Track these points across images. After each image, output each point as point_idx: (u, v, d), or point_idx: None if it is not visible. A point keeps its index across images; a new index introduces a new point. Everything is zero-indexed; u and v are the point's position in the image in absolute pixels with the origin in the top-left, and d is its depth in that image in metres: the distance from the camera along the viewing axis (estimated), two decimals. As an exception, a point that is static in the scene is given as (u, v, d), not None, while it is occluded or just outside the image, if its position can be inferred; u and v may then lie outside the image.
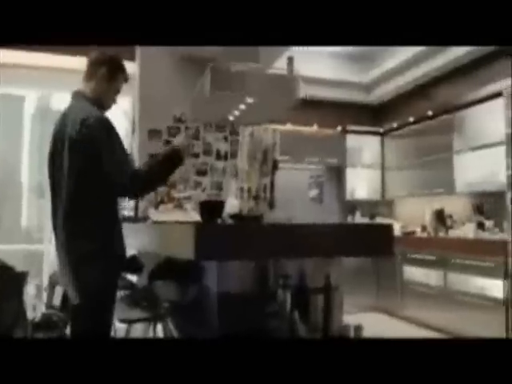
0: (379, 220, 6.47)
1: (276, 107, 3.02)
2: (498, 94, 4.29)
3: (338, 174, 6.60)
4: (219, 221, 1.90)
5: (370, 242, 1.83)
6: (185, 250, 1.63)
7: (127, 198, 2.44)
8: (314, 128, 6.36)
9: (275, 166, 2.27)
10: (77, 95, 2.07)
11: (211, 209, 1.88)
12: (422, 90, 5.55)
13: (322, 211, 6.45)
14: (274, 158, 2.27)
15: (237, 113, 3.19)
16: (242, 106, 3.05)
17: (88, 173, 1.89)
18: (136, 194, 2.21)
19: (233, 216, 1.90)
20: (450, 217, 5.38)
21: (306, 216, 6.08)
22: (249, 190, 2.21)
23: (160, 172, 2.01)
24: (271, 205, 2.22)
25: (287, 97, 2.86)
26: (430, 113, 5.47)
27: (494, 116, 4.35)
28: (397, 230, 6.09)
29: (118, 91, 2.15)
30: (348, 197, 6.49)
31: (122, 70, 2.14)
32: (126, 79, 2.17)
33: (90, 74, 2.07)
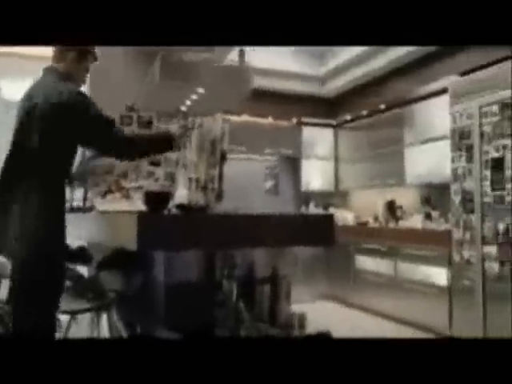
0: (333, 211, 6.61)
1: (228, 98, 3.02)
2: (443, 91, 4.45)
3: (293, 166, 6.67)
4: (165, 211, 1.89)
5: (312, 231, 1.88)
6: (127, 239, 1.62)
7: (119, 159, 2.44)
8: (270, 120, 6.40)
9: (224, 157, 2.28)
10: (48, 70, 2.10)
11: (156, 199, 1.87)
12: (374, 84, 5.68)
13: (277, 202, 6.52)
14: (223, 149, 2.28)
15: (189, 103, 3.17)
16: (194, 97, 3.03)
17: (57, 145, 1.94)
18: (125, 155, 2.21)
19: (178, 206, 1.90)
20: (401, 208, 5.57)
21: (262, 207, 6.15)
22: (197, 181, 2.21)
23: (149, 145, 2.21)
24: (219, 196, 2.23)
25: (239, 88, 2.87)
26: (382, 106, 5.61)
27: (440, 111, 4.51)
28: (350, 221, 6.26)
29: (87, 70, 2.22)
30: (303, 188, 6.59)
31: (90, 49, 2.19)
32: (95, 58, 2.23)
33: (59, 55, 2.10)
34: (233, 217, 1.96)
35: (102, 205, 2.32)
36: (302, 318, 1.93)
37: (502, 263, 3.68)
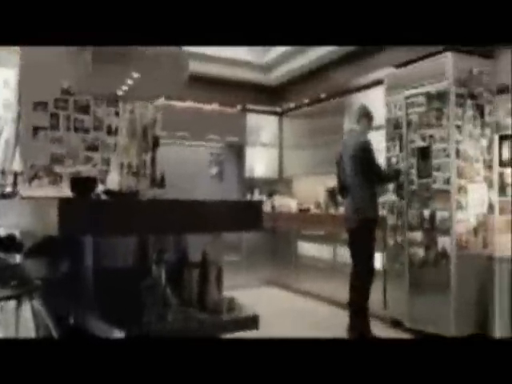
0: (278, 198, 6.72)
1: (164, 84, 2.99)
2: (380, 82, 4.60)
3: (238, 153, 6.72)
4: (93, 197, 1.88)
5: (241, 217, 1.92)
6: (50, 226, 1.60)
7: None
8: (215, 106, 6.38)
9: (156, 143, 2.27)
10: None
11: (82, 185, 1.85)
12: (316, 73, 5.77)
13: (222, 189, 6.55)
14: (155, 135, 2.27)
15: (125, 88, 3.11)
16: (129, 81, 2.98)
17: None
18: None
19: (106, 192, 1.89)
20: (341, 195, 5.73)
21: (206, 193, 6.17)
22: (129, 166, 2.19)
23: None
24: (153, 181, 2.22)
25: (174, 73, 2.85)
26: (323, 95, 5.72)
27: (378, 101, 4.66)
28: (293, 208, 6.38)
29: None
30: (248, 175, 6.64)
31: None
32: None
33: None
34: (161, 202, 1.96)
35: (26, 191, 2.26)
36: (231, 303, 1.97)
37: (426, 248, 3.88)
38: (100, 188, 2.06)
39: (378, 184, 4.13)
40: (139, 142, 2.16)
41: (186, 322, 1.83)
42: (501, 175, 4.06)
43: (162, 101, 5.92)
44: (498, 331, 3.71)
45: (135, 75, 2.84)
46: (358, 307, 4.04)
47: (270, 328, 4.32)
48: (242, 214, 1.91)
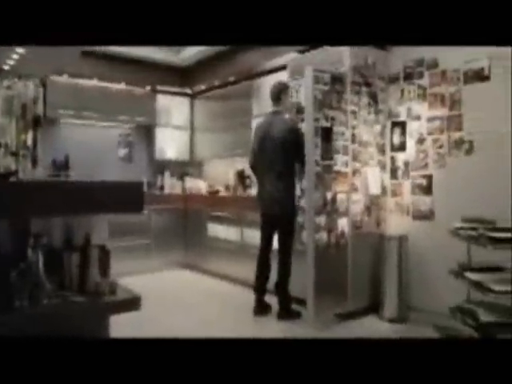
0: (189, 180, 6.69)
1: (52, 60, 2.84)
2: (284, 67, 4.70)
3: (147, 134, 6.58)
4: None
5: (121, 199, 1.90)
6: None
7: None
8: (123, 86, 6.18)
9: (37, 122, 2.16)
10: None
11: None
12: (225, 56, 5.77)
13: (131, 170, 6.40)
14: (36, 114, 2.16)
15: (11, 62, 2.92)
16: (15, 56, 2.80)
17: None
18: None
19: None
20: (249, 177, 5.82)
21: (115, 175, 5.99)
22: (6, 146, 2.08)
23: None
24: (34, 162, 2.12)
25: (63, 49, 2.72)
26: (232, 78, 5.74)
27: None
28: (203, 190, 6.39)
29: None
30: (158, 156, 6.54)
31: None
32: None
33: None
34: (40, 183, 1.89)
35: None
36: (112, 285, 1.96)
37: (329, 231, 4.05)
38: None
39: (301, 165, 4.10)
40: (17, 122, 2.04)
41: (63, 305, 1.79)
42: (392, 159, 4.34)
43: (65, 78, 5.65)
44: (388, 304, 4.00)
45: (20, 50, 2.68)
46: (285, 289, 4.15)
47: (182, 310, 4.39)
48: (121, 196, 1.89)
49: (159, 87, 6.46)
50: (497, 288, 2.81)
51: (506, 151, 3.45)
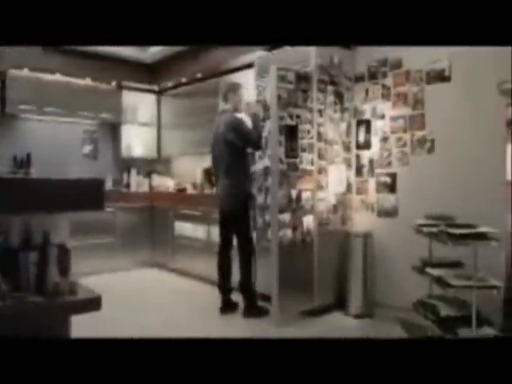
0: (156, 177, 6.62)
1: (12, 53, 2.75)
2: (250, 65, 4.69)
3: (113, 131, 6.47)
4: None
5: (81, 196, 1.86)
6: None
7: None
8: (88, 81, 6.05)
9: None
10: None
11: None
12: (191, 53, 5.71)
13: (96, 168, 6.28)
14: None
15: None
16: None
17: None
18: None
19: None
20: (217, 175, 5.80)
21: (79, 172, 5.86)
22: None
23: None
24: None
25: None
26: (199, 75, 5.70)
27: (248, 83, 4.76)
28: (171, 188, 6.33)
29: None
30: (124, 154, 6.44)
31: None
32: None
33: None
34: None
35: None
36: (72, 285, 1.91)
37: (294, 229, 4.07)
38: None
39: (256, 149, 4.18)
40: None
41: (20, 306, 1.74)
42: (358, 157, 4.40)
43: (25, 72, 5.48)
44: (353, 300, 4.06)
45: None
46: (247, 286, 4.16)
47: (149, 309, 4.33)
48: (81, 193, 1.85)
49: (125, 83, 6.34)
50: (456, 283, 2.89)
51: (466, 150, 3.54)
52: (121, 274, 5.73)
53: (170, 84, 6.35)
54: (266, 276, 4.40)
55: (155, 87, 6.61)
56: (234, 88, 4.25)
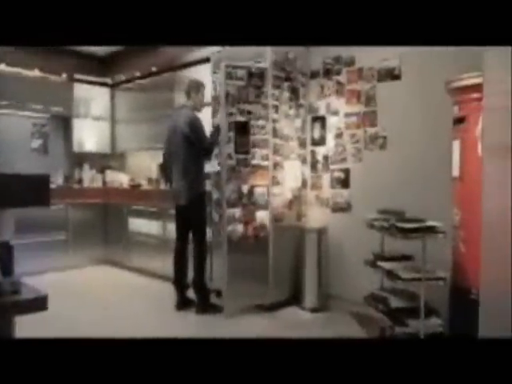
0: (109, 173, 6.46)
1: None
2: (207, 59, 4.65)
3: (64, 124, 6.26)
4: None
5: (26, 192, 1.78)
6: None
7: None
8: (37, 72, 5.81)
9: None
10: None
11: None
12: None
13: (46, 163, 6.05)
14: None
15: None
16: None
17: None
18: None
19: None
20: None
21: (28, 166, 5.64)
22: None
23: None
24: None
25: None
26: (154, 69, 5.60)
27: (204, 78, 4.71)
28: (125, 183, 6.20)
29: None
30: (76, 148, 6.24)
31: None
32: None
33: None
34: None
35: None
36: (15, 284, 1.83)
37: (245, 223, 4.07)
38: None
39: (205, 156, 4.14)
40: None
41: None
42: (312, 153, 4.45)
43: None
44: (308, 294, 4.11)
45: None
46: (200, 283, 4.13)
47: (101, 307, 4.23)
48: (26, 189, 1.78)
49: (77, 76, 6.14)
50: (406, 276, 2.98)
51: (416, 147, 3.65)
52: (74, 272, 5.58)
53: (123, 77, 6.20)
54: (222, 271, 4.40)
55: (108, 80, 6.43)
56: (198, 86, 4.19)
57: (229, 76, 3.95)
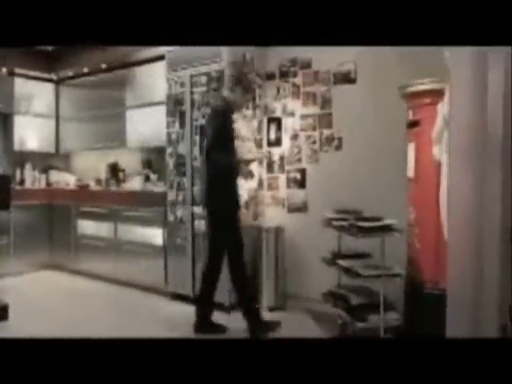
0: (54, 173, 6.18)
1: None
2: (162, 57, 4.56)
3: (4, 122, 5.89)
4: None
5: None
6: None
7: None
8: (-27, 66, 5.46)
9: None
10: None
11: None
12: (96, 41, 5.41)
13: (-17, 163, 5.69)
14: None
15: None
16: None
17: None
18: None
19: None
20: (123, 170, 5.57)
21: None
22: None
23: None
24: None
25: None
26: (103, 66, 5.42)
27: (160, 77, 4.63)
28: (71, 184, 5.96)
29: None
30: (17, 147, 5.89)
31: None
32: None
33: None
34: None
35: None
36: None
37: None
38: None
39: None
40: None
41: None
42: (269, 154, 4.48)
43: None
44: (266, 293, 4.14)
45: None
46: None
47: (46, 315, 4.02)
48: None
49: (18, 70, 5.81)
50: (365, 272, 3.08)
51: (370, 148, 3.78)
52: (16, 278, 5.28)
53: (70, 73, 5.93)
54: (179, 273, 4.35)
55: (53, 76, 6.14)
56: (243, 84, 3.64)
57: (194, 83, 4.05)
